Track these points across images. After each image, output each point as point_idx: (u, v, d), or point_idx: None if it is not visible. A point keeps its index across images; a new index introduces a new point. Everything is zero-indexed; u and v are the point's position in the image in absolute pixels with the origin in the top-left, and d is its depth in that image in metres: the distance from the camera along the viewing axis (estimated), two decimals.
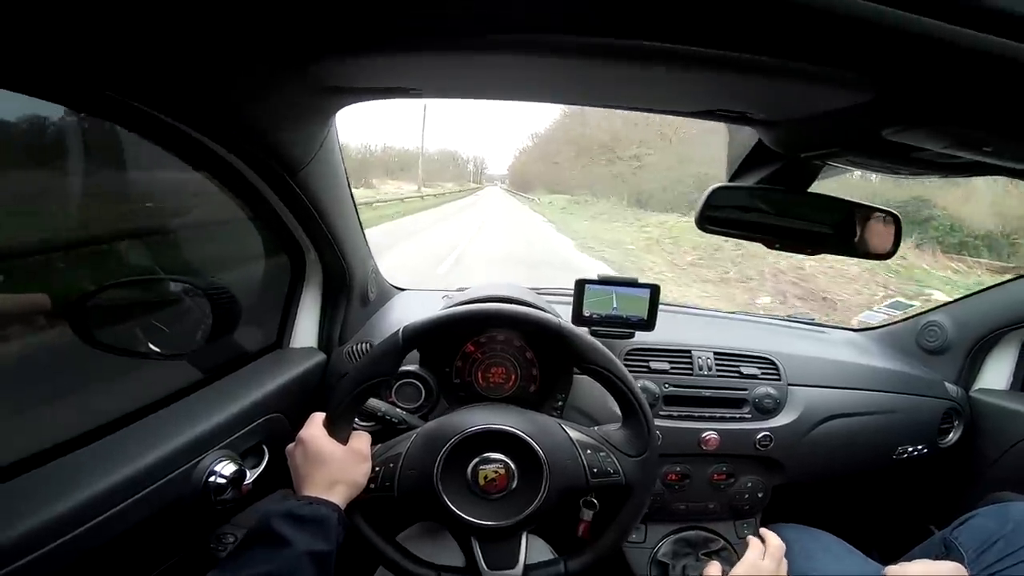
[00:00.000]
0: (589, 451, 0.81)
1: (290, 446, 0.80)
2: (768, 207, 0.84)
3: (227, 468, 0.80)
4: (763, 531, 0.94)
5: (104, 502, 0.63)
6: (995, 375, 1.43)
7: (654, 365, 1.21)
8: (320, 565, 0.65)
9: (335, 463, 0.75)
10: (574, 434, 0.83)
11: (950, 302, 1.50)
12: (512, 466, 0.79)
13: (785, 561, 0.88)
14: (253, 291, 1.09)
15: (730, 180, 0.89)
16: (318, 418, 0.80)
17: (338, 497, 0.73)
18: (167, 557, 0.79)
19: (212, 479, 0.78)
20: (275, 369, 1.01)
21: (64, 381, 0.77)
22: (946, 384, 1.40)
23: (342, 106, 0.80)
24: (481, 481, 0.78)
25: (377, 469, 0.80)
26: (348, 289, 1.15)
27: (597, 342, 0.85)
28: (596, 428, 0.96)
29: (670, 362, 1.23)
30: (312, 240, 1.03)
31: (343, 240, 1.06)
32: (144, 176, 0.85)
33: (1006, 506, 1.06)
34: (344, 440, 0.79)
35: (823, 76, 0.48)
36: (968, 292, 1.48)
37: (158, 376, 0.88)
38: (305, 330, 1.14)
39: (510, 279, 1.99)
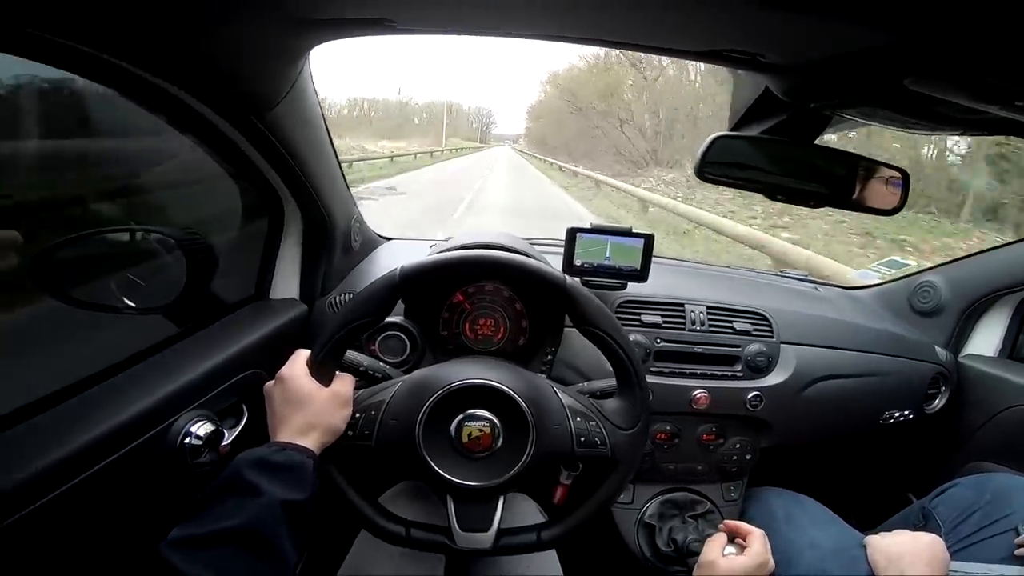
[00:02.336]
0: (579, 419, 0.78)
1: (268, 384, 0.76)
2: (771, 158, 0.80)
3: (203, 428, 0.77)
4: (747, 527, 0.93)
5: (72, 468, 0.59)
6: (985, 340, 1.42)
7: (646, 318, 1.19)
8: (294, 515, 0.63)
9: (314, 406, 0.72)
10: (566, 399, 0.80)
11: (946, 263, 1.48)
12: (498, 425, 0.76)
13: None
14: (231, 241, 1.05)
15: (732, 129, 0.84)
16: (302, 356, 0.76)
17: (313, 443, 0.70)
18: (146, 523, 0.76)
19: (188, 440, 0.75)
20: (254, 322, 0.97)
21: (27, 339, 0.73)
22: (936, 348, 1.38)
23: (314, 44, 0.74)
24: (464, 438, 0.75)
25: (358, 416, 0.77)
26: (330, 238, 1.10)
27: (602, 305, 0.80)
28: (586, 388, 0.94)
29: (662, 316, 1.20)
30: (289, 187, 0.97)
31: (322, 187, 1.01)
32: (106, 124, 0.80)
33: (984, 477, 1.06)
34: (327, 382, 0.75)
35: (844, 13, 0.43)
36: (967, 254, 1.45)
37: (130, 331, 0.84)
38: (286, 281, 1.09)
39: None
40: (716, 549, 0.85)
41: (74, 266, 0.72)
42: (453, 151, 47.15)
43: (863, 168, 0.82)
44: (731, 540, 0.88)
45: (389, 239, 1.50)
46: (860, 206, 0.84)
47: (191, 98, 0.71)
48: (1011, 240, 1.37)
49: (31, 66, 0.58)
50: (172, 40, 0.59)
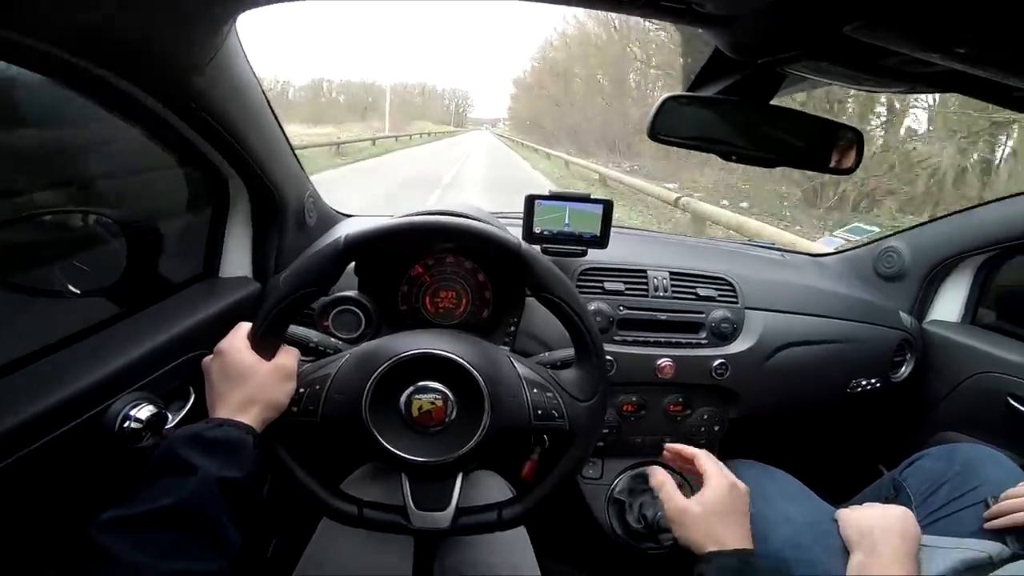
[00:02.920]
0: (536, 390, 0.76)
1: (207, 358, 0.73)
2: (725, 119, 0.79)
3: (144, 411, 0.73)
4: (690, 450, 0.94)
5: None
6: (948, 306, 1.42)
7: (608, 286, 1.18)
8: (232, 493, 0.60)
9: (254, 380, 0.69)
10: (522, 370, 0.77)
11: (910, 228, 1.48)
12: (451, 398, 0.73)
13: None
14: (176, 219, 1.01)
15: (688, 91, 0.82)
16: (243, 329, 0.73)
17: (253, 419, 0.67)
18: (83, 508, 0.72)
19: (127, 424, 0.71)
20: (202, 301, 0.93)
21: None
22: (900, 314, 1.39)
23: (236, 12, 0.69)
24: (415, 412, 0.72)
25: (302, 390, 0.73)
26: (280, 214, 1.07)
27: (558, 270, 0.77)
28: (546, 359, 0.92)
29: (625, 283, 1.19)
30: (230, 162, 0.93)
31: (265, 161, 0.97)
32: (30, 107, 0.75)
33: (952, 448, 1.07)
34: (269, 356, 0.72)
35: None
36: (930, 218, 1.45)
37: (68, 313, 0.80)
38: (236, 259, 1.06)
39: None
40: (676, 493, 0.86)
41: (10, 251, 0.70)
42: (413, 137, 38.97)
43: (818, 128, 0.81)
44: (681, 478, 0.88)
45: (349, 216, 1.46)
46: (817, 166, 0.83)
47: (110, 74, 0.66)
48: (972, 205, 1.37)
49: None
50: (82, 12, 0.55)
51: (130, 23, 0.60)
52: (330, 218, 1.38)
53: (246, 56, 0.85)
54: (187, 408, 0.83)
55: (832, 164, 0.82)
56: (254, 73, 0.90)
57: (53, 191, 0.84)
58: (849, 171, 0.82)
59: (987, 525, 0.88)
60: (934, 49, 0.49)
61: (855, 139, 0.80)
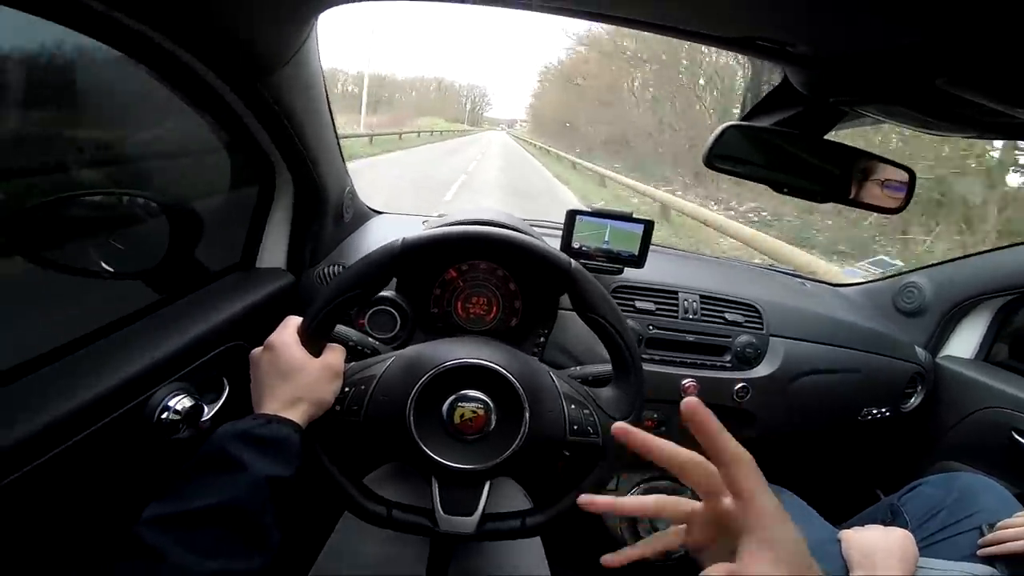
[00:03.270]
0: (574, 406, 0.76)
1: (256, 351, 0.72)
2: (780, 150, 0.80)
3: (182, 403, 0.73)
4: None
5: (46, 441, 0.56)
6: (963, 343, 1.44)
7: (639, 304, 1.19)
8: (279, 492, 0.59)
9: (303, 377, 0.68)
10: (561, 385, 0.78)
11: (932, 265, 1.50)
12: (492, 407, 0.73)
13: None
14: (219, 207, 1.01)
15: (744, 119, 0.83)
16: (292, 323, 0.73)
17: (300, 415, 0.66)
18: (122, 500, 0.73)
19: (166, 415, 0.71)
20: (238, 291, 0.94)
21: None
22: (916, 348, 1.41)
23: (323, 8, 0.70)
24: (456, 419, 0.73)
25: (347, 389, 0.73)
26: (322, 208, 1.07)
27: (605, 291, 0.78)
28: (577, 373, 0.93)
29: (656, 302, 1.20)
30: (283, 154, 0.93)
31: (317, 156, 0.97)
32: (90, 81, 0.75)
33: (952, 476, 1.09)
34: (317, 352, 0.71)
35: (880, 9, 0.42)
36: (953, 257, 1.47)
37: (109, 298, 0.80)
38: (274, 250, 1.06)
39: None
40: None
41: (52, 229, 0.69)
42: (421, 135, 33.49)
43: (870, 165, 0.82)
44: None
45: (380, 212, 1.46)
46: (864, 203, 0.84)
47: (193, 59, 0.67)
48: (995, 247, 1.39)
49: (19, 18, 0.53)
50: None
51: (225, 12, 0.60)
52: (364, 214, 1.38)
53: (319, 53, 0.86)
54: (222, 400, 0.82)
55: (880, 203, 0.82)
56: (322, 69, 0.90)
57: (106, 170, 0.84)
58: (897, 210, 0.83)
59: (980, 552, 0.91)
60: (1019, 104, 0.50)
61: (908, 178, 0.81)
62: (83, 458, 0.61)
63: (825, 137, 0.79)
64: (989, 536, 0.92)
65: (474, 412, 0.73)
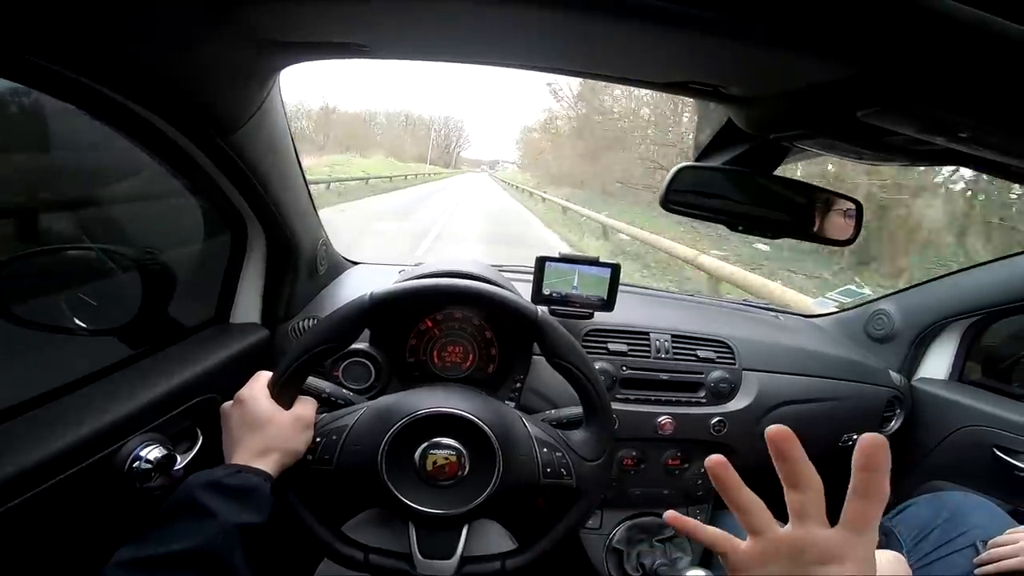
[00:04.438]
0: (546, 449, 0.78)
1: (226, 404, 0.74)
2: (733, 189, 0.82)
3: (154, 452, 0.73)
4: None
5: (12, 489, 0.56)
6: (936, 365, 1.47)
7: (612, 347, 1.20)
8: (251, 539, 0.61)
9: (273, 428, 0.70)
10: (533, 429, 0.80)
11: (899, 291, 1.54)
12: (464, 453, 0.75)
13: None
14: (192, 263, 1.02)
15: (697, 160, 0.87)
16: (263, 378, 0.75)
17: (271, 465, 0.68)
18: (92, 546, 0.72)
19: (137, 464, 0.72)
20: (212, 346, 0.94)
21: None
22: (890, 372, 1.43)
23: (283, 65, 0.73)
24: (429, 466, 0.74)
25: (319, 440, 0.75)
26: (295, 262, 1.08)
27: (572, 338, 0.81)
28: (552, 416, 0.94)
29: (628, 344, 1.21)
30: (253, 209, 0.95)
31: (288, 210, 0.99)
32: (61, 139, 0.77)
33: (940, 495, 1.10)
34: (288, 405, 0.73)
35: (801, 47, 0.46)
36: (917, 282, 1.52)
37: (80, 353, 0.80)
38: (248, 304, 1.06)
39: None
40: None
41: (23, 284, 0.70)
42: (370, 182, 21.50)
43: (820, 199, 0.85)
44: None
45: (356, 263, 1.48)
46: (817, 237, 0.87)
47: (155, 117, 0.69)
48: (957, 268, 1.44)
49: None
50: (138, 60, 0.57)
51: (182, 72, 0.62)
52: (339, 265, 1.40)
53: (283, 107, 0.89)
54: (195, 450, 0.83)
55: (832, 235, 0.85)
56: (288, 124, 0.93)
57: (76, 226, 0.85)
58: (848, 242, 0.86)
59: (978, 571, 0.91)
60: (939, 133, 0.54)
61: (856, 210, 0.84)
62: (52, 505, 0.61)
63: (777, 172, 0.83)
64: (984, 555, 0.92)
65: (446, 459, 0.74)
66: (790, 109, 0.60)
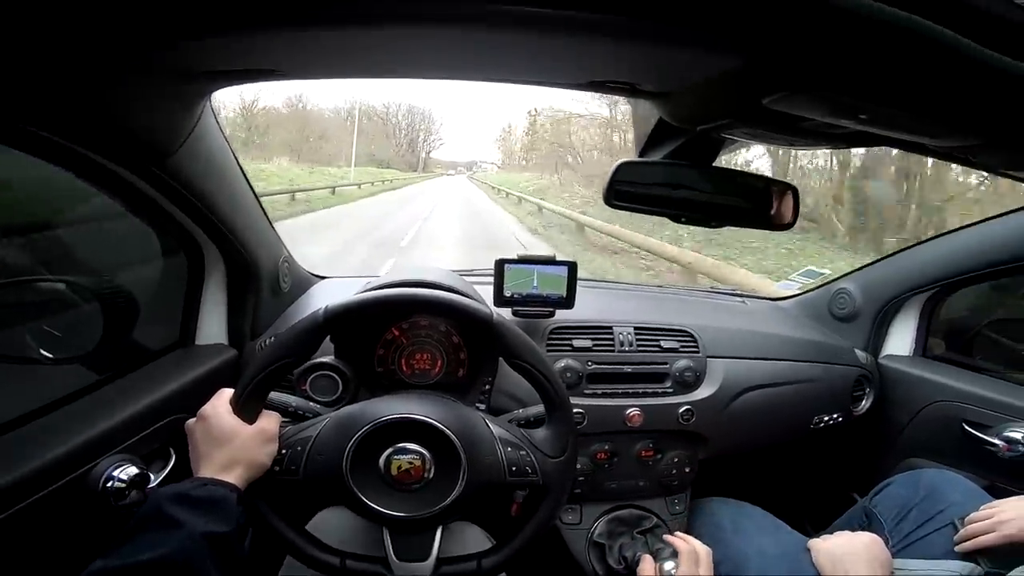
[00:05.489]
0: (510, 448, 0.80)
1: (190, 422, 0.76)
2: (673, 182, 0.85)
3: (126, 472, 0.76)
4: (688, 539, 0.96)
5: None
6: (899, 341, 1.50)
7: (576, 343, 1.22)
8: (218, 547, 0.62)
9: (237, 442, 0.72)
10: (496, 430, 0.81)
11: (858, 269, 1.57)
12: (428, 457, 0.76)
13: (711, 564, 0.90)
14: (151, 289, 1.03)
15: (639, 156, 0.89)
16: (224, 395, 0.77)
17: (236, 478, 0.70)
18: (71, 564, 0.75)
19: (111, 484, 0.74)
20: (178, 368, 0.96)
21: None
22: (856, 351, 1.46)
23: (208, 91, 0.75)
24: (394, 471, 0.76)
25: (284, 451, 0.77)
26: (255, 280, 1.09)
27: (526, 337, 0.83)
28: (519, 415, 0.96)
29: (592, 339, 1.23)
30: (206, 232, 0.96)
31: (240, 230, 1.00)
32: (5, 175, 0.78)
33: (917, 474, 1.12)
34: (251, 420, 0.75)
35: (696, 41, 0.48)
36: (874, 259, 1.54)
37: (47, 381, 0.82)
38: (212, 326, 1.08)
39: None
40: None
41: None
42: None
43: (758, 186, 0.88)
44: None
45: (323, 278, 1.49)
46: (758, 223, 0.89)
47: (88, 151, 0.70)
48: (914, 243, 1.46)
49: None
50: (61, 96, 0.59)
51: (108, 107, 0.64)
52: (305, 281, 1.40)
53: (221, 128, 0.89)
54: (169, 468, 0.85)
55: (772, 220, 0.88)
56: (228, 142, 0.93)
57: (28, 259, 0.86)
58: (788, 226, 0.88)
59: (958, 548, 0.93)
60: (842, 116, 0.56)
61: (792, 194, 0.87)
62: (28, 525, 0.64)
63: (716, 164, 0.85)
64: (961, 532, 0.94)
65: (410, 463, 0.76)
66: (704, 101, 0.62)
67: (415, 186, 38.86)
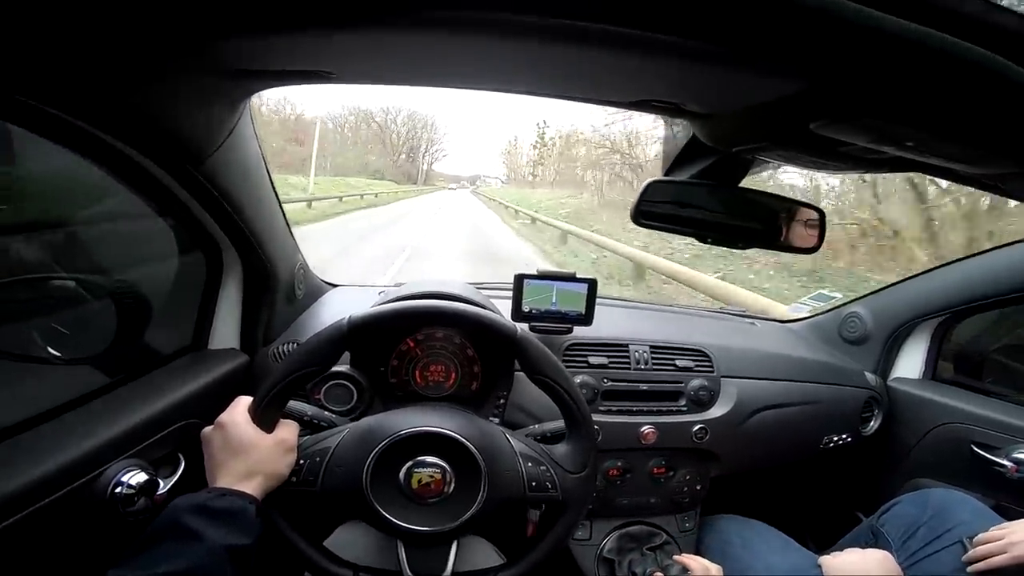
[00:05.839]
0: (530, 464, 0.79)
1: (207, 429, 0.75)
2: (701, 202, 0.85)
3: (135, 478, 0.74)
4: (699, 560, 0.96)
5: None
6: (909, 364, 1.50)
7: (592, 360, 1.22)
8: (239, 560, 0.61)
9: (255, 452, 0.71)
10: (517, 445, 0.81)
11: (869, 294, 1.57)
12: (449, 471, 0.75)
13: None
14: (166, 290, 1.01)
15: (666, 174, 0.89)
16: (243, 403, 0.75)
17: (255, 488, 0.69)
18: (79, 571, 0.73)
19: (119, 490, 0.72)
20: (191, 372, 0.94)
21: None
22: (866, 374, 1.46)
23: (252, 92, 0.74)
24: (414, 484, 0.75)
25: (302, 462, 0.76)
26: (272, 287, 1.08)
27: (550, 353, 0.83)
28: (536, 431, 0.95)
29: (608, 357, 1.23)
30: (228, 235, 0.96)
31: (263, 235, 1.00)
32: (30, 168, 0.77)
33: (925, 493, 1.12)
34: (270, 429, 0.74)
35: (758, 65, 0.48)
36: (884, 285, 1.55)
37: (57, 383, 0.80)
38: (226, 330, 1.06)
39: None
40: None
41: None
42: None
43: (785, 209, 0.88)
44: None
45: (336, 286, 1.48)
46: (783, 246, 0.89)
47: (126, 147, 0.70)
48: (923, 270, 1.47)
49: None
50: (106, 91, 0.58)
51: (153, 103, 0.63)
52: (318, 288, 1.40)
53: (256, 133, 0.89)
54: (178, 475, 0.84)
55: (797, 244, 0.88)
56: (260, 146, 0.93)
57: (48, 255, 0.84)
58: (812, 250, 0.88)
59: (970, 569, 0.92)
60: (887, 143, 0.57)
61: (818, 218, 0.87)
62: (36, 532, 0.62)
63: (742, 184, 0.86)
64: (972, 553, 0.94)
65: (431, 477, 0.75)
66: (748, 123, 0.62)
67: (405, 202, 30.71)
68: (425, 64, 0.60)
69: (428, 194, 50.50)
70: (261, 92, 0.76)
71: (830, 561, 0.97)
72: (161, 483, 0.79)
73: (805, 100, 0.53)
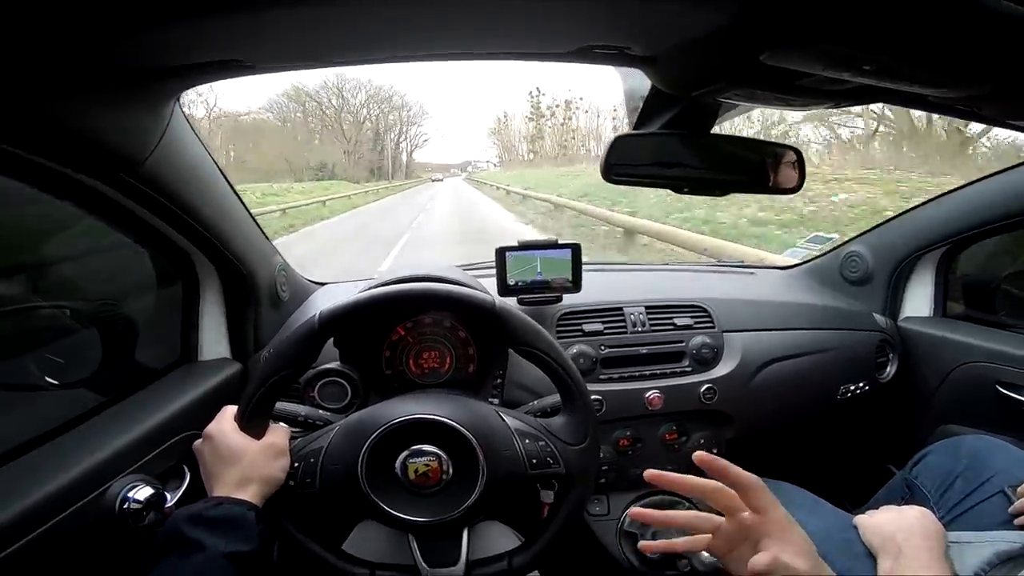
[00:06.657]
0: (528, 440, 0.77)
1: (197, 443, 0.75)
2: (672, 152, 0.82)
3: (142, 492, 0.75)
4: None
5: None
6: (917, 302, 1.45)
7: (587, 328, 1.20)
8: (244, 567, 0.62)
9: (247, 459, 0.71)
10: (512, 422, 0.79)
11: (866, 231, 1.52)
12: (445, 458, 0.74)
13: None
14: (147, 307, 1.01)
15: (634, 128, 0.86)
16: (228, 412, 0.76)
17: (252, 495, 0.69)
18: None
19: (127, 505, 0.73)
20: (184, 385, 0.94)
21: None
22: (875, 315, 1.42)
23: (175, 92, 0.72)
24: (411, 475, 0.73)
25: (296, 464, 0.75)
26: (252, 291, 1.07)
27: (532, 321, 0.80)
28: (535, 407, 0.93)
29: (603, 322, 1.21)
30: (194, 243, 0.94)
31: (229, 238, 0.97)
32: None
33: (956, 441, 1.06)
34: (258, 435, 0.74)
35: None
36: (882, 220, 1.50)
37: (46, 407, 0.81)
38: (214, 341, 1.06)
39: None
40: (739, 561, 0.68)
41: None
42: None
43: (760, 151, 0.85)
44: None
45: (323, 284, 1.46)
46: (763, 188, 0.87)
47: (56, 164, 0.67)
48: (922, 201, 1.42)
49: None
50: (17, 107, 0.56)
51: (69, 111, 0.61)
52: (304, 289, 1.37)
53: (195, 131, 0.86)
54: (184, 486, 0.84)
55: (777, 185, 0.85)
56: (205, 147, 0.90)
57: (17, 286, 0.84)
58: (794, 190, 0.85)
59: (1017, 521, 0.87)
60: (844, 68, 0.53)
61: (796, 158, 0.84)
62: (46, 551, 0.63)
63: (713, 132, 0.83)
64: (1018, 504, 0.88)
65: (427, 465, 0.74)
66: (697, 62, 0.60)
67: (353, 215, 20.27)
68: (336, 38, 0.57)
69: (405, 190, 41.27)
70: (187, 91, 0.74)
71: (866, 521, 0.93)
72: (168, 496, 0.79)
73: (746, 29, 0.50)
